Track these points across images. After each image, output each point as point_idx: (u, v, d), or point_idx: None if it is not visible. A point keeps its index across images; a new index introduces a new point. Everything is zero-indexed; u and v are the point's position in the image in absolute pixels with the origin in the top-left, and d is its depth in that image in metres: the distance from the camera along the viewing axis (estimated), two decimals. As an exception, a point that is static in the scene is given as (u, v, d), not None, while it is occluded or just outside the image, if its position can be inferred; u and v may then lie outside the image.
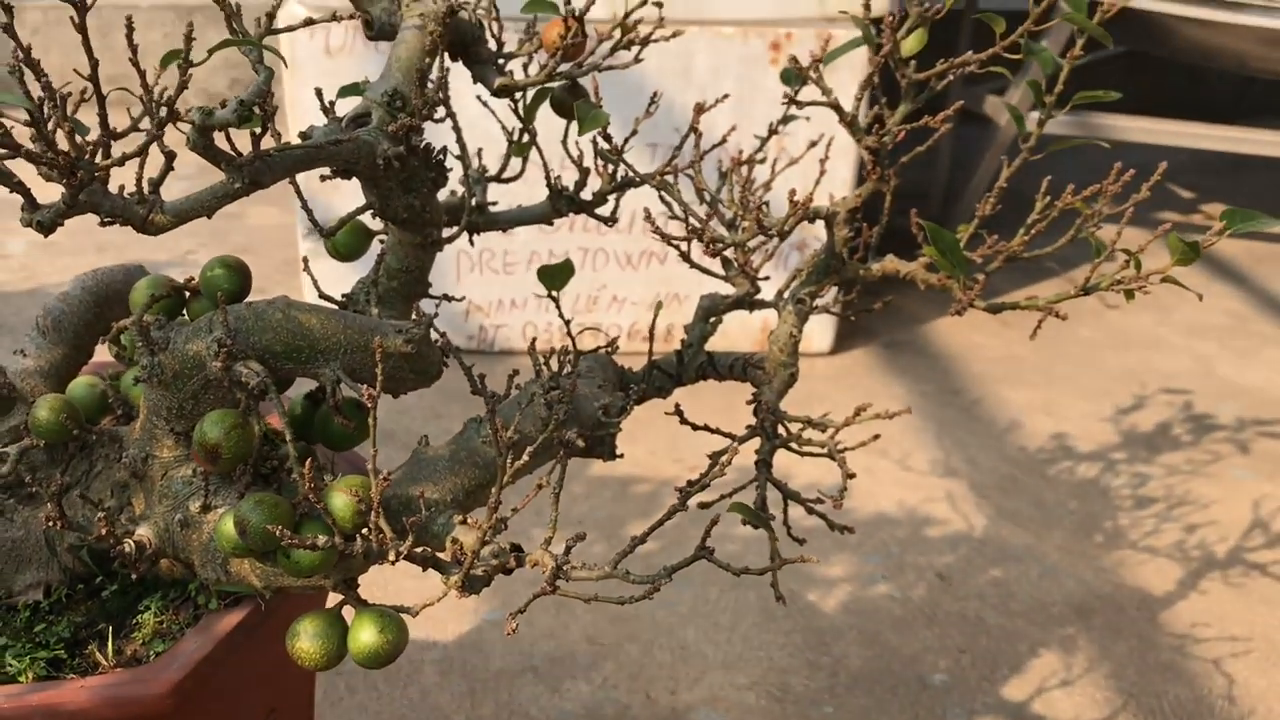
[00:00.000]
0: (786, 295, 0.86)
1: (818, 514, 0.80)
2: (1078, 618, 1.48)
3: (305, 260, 0.82)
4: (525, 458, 0.69)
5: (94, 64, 0.65)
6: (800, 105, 0.77)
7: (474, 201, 0.90)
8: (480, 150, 0.97)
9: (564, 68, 0.82)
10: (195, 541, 0.72)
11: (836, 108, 0.77)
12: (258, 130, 0.67)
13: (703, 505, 0.80)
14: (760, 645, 1.40)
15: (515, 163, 0.93)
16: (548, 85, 0.85)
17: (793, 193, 0.76)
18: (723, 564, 0.64)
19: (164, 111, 0.59)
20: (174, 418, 0.72)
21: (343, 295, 0.84)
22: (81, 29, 0.63)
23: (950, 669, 1.38)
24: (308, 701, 0.94)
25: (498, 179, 0.95)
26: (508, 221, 0.92)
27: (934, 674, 1.37)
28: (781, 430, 0.83)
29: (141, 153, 0.61)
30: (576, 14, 0.75)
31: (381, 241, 0.88)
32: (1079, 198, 0.82)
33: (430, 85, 0.72)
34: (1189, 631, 1.47)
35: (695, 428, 0.83)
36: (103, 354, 0.91)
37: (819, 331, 2.09)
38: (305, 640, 0.69)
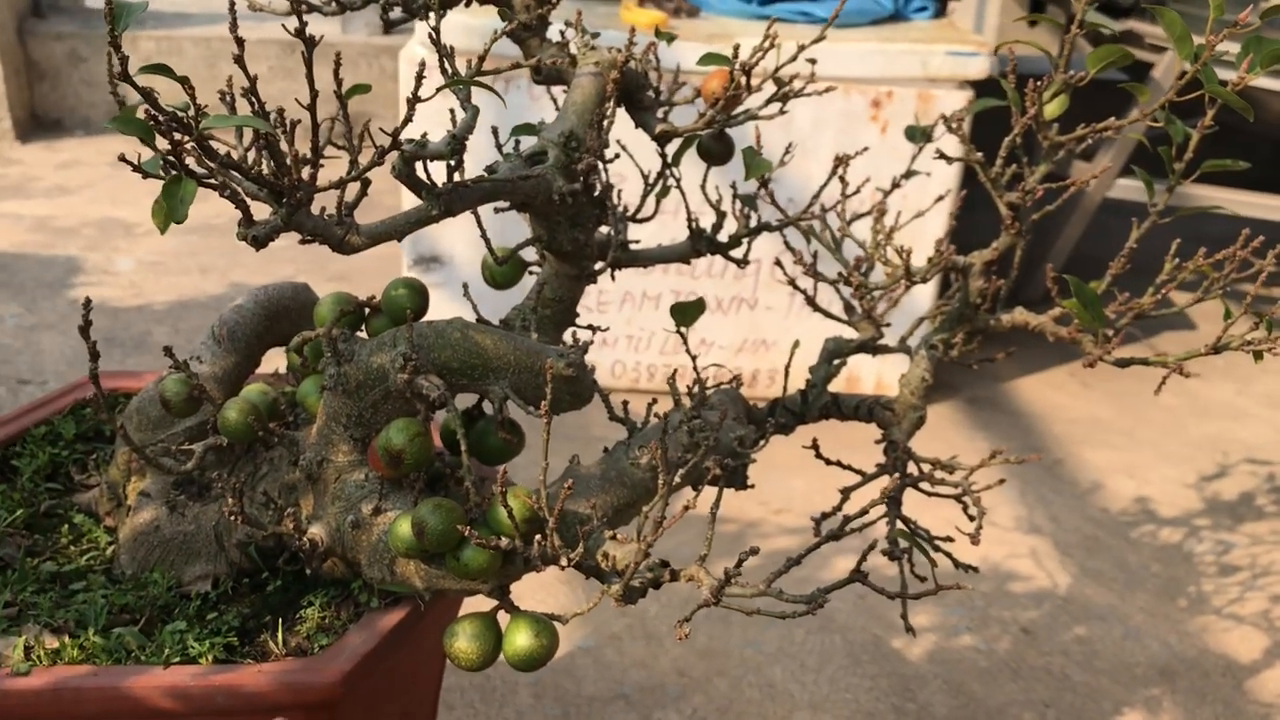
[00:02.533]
0: (918, 341, 0.90)
1: (944, 552, 0.84)
2: (1162, 679, 1.49)
3: (465, 286, 0.88)
4: (677, 480, 0.73)
5: (314, 95, 0.70)
6: (950, 160, 0.81)
7: (619, 239, 0.95)
8: (620, 191, 1.02)
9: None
10: (364, 542, 0.76)
11: (980, 164, 0.82)
12: (452, 163, 0.72)
13: (833, 537, 0.84)
14: (846, 688, 1.43)
15: (648, 203, 0.98)
16: (699, 132, 0.90)
17: (939, 242, 0.80)
18: (877, 588, 0.68)
19: (388, 142, 0.64)
20: (353, 424, 0.77)
21: (500, 320, 0.89)
22: (307, 64, 0.69)
23: (1035, 722, 1.39)
24: (432, 711, 0.99)
25: (634, 218, 1.00)
26: (649, 259, 0.97)
27: (1019, 726, 1.38)
28: (911, 469, 0.87)
29: (355, 178, 0.67)
30: (745, 68, 0.80)
31: (532, 274, 0.93)
32: (1207, 262, 0.86)
33: (605, 128, 0.77)
34: (1275, 700, 1.47)
35: (829, 462, 0.87)
36: (267, 364, 0.96)
37: (901, 384, 2.12)
38: (464, 640, 0.73)
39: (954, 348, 0.89)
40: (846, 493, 0.85)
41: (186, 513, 0.85)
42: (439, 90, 0.67)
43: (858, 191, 0.94)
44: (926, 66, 1.86)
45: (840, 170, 0.88)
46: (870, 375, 2.12)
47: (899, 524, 0.85)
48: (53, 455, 0.95)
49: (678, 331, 0.97)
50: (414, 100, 0.63)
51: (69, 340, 2.17)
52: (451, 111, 0.77)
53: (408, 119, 0.64)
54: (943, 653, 1.50)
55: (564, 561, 0.67)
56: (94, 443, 0.99)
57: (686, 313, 0.96)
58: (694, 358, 0.95)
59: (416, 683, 0.90)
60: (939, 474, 0.85)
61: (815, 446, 0.86)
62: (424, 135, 0.71)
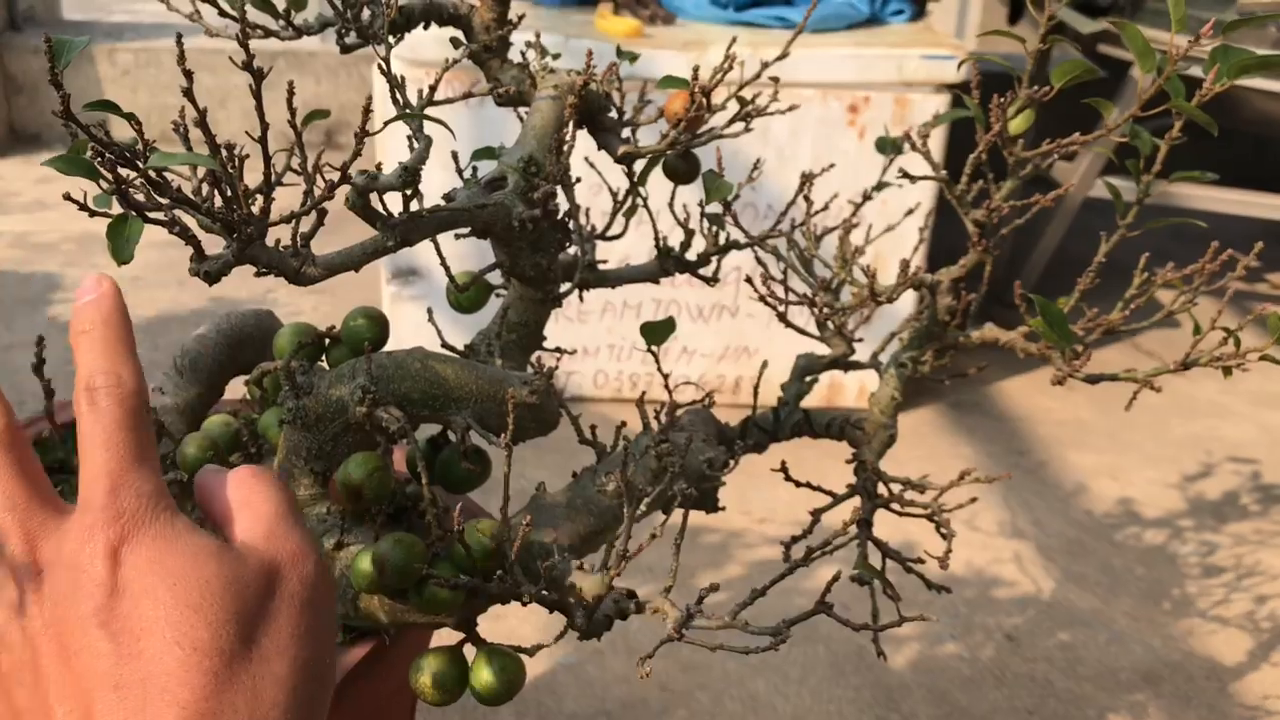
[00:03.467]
0: (888, 358, 0.89)
1: (916, 574, 0.83)
2: (1146, 684, 1.48)
3: (430, 311, 0.87)
4: (643, 507, 0.72)
5: (265, 126, 0.69)
6: (914, 179, 0.81)
7: (586, 260, 0.94)
8: (587, 210, 1.01)
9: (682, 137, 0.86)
10: (327, 577, 0.75)
11: (946, 182, 0.81)
12: (408, 193, 0.71)
13: (802, 564, 0.83)
14: (830, 699, 1.42)
15: (617, 222, 0.97)
16: (663, 152, 0.89)
17: (905, 263, 0.80)
18: (842, 619, 0.67)
19: (336, 176, 0.63)
20: (313, 458, 0.76)
21: (465, 346, 0.88)
22: (257, 95, 0.68)
23: (1020, 731, 1.39)
24: (406, 737, 0.98)
25: (603, 237, 0.99)
26: (617, 279, 0.96)
27: (1003, 735, 1.38)
28: (882, 490, 0.86)
29: (308, 211, 0.66)
30: (705, 90, 0.79)
31: (498, 296, 0.92)
32: (1177, 275, 0.85)
33: (564, 152, 0.77)
34: (1260, 703, 1.46)
35: (798, 484, 0.86)
36: (231, 393, 0.95)
37: (884, 389, 2.12)
38: (428, 676, 0.72)
39: (924, 364, 0.88)
40: (817, 515, 0.84)
41: (150, 547, 0.84)
42: (385, 125, 0.66)
43: (825, 207, 0.94)
44: (903, 71, 1.86)
45: (806, 189, 0.87)
46: (854, 385, 2.11)
47: (870, 547, 0.84)
48: (16, 488, 0.94)
49: (649, 350, 0.96)
50: (361, 135, 0.62)
51: (49, 358, 2.15)
52: (409, 138, 0.76)
53: (356, 153, 0.63)
54: (926, 661, 1.50)
55: (525, 598, 0.66)
56: (59, 475, 0.98)
57: (656, 331, 0.95)
58: (666, 376, 0.94)
59: (383, 716, 0.89)
60: (910, 494, 0.84)
61: (784, 469, 0.85)
62: (378, 165, 0.70)
